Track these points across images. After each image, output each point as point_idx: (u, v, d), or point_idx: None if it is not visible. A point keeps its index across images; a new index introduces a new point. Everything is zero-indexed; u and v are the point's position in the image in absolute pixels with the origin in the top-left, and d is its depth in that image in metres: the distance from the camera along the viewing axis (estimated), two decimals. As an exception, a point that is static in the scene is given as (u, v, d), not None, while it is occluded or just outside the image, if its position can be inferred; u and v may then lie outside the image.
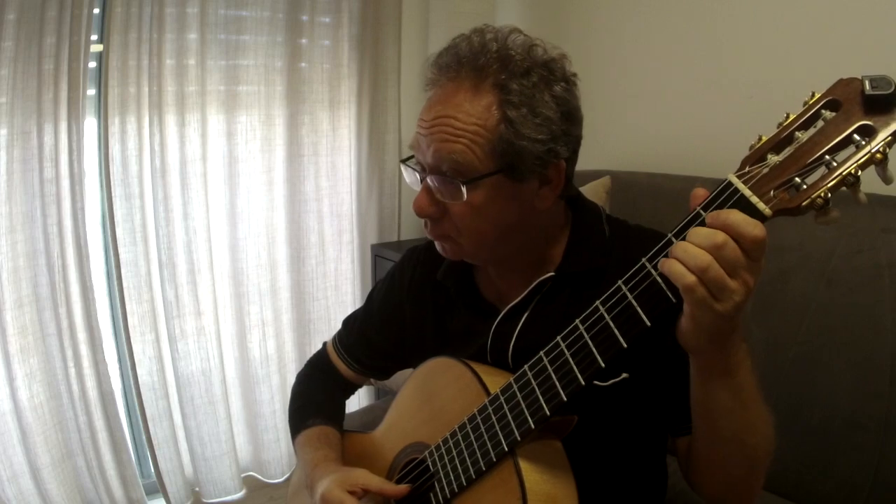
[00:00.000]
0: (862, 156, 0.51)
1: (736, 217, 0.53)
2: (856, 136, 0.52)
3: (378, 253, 2.13)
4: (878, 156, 0.50)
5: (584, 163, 1.74)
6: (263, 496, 2.08)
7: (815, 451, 1.13)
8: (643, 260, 0.60)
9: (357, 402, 2.14)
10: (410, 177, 0.83)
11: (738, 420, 0.66)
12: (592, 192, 1.54)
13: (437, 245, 0.85)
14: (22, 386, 1.62)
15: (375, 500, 0.84)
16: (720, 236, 0.53)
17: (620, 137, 1.82)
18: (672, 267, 0.55)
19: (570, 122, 0.77)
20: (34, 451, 1.65)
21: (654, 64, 1.71)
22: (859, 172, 0.51)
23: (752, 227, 0.53)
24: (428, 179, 0.78)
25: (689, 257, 0.54)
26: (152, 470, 1.88)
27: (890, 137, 0.50)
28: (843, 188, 0.52)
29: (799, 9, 1.37)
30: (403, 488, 0.83)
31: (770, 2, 1.43)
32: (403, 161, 0.84)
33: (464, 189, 0.74)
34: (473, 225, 0.77)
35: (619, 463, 0.85)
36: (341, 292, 2.16)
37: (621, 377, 0.79)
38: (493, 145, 0.73)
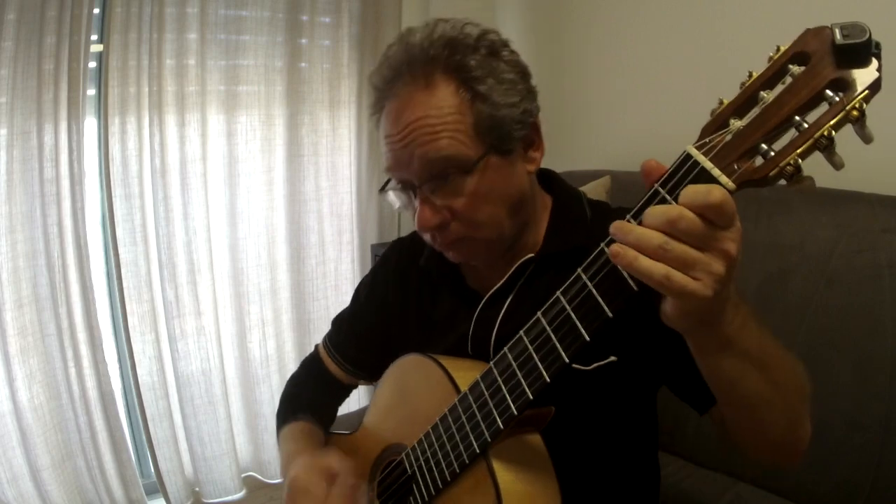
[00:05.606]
0: (836, 113, 0.45)
1: (687, 192, 0.48)
2: (828, 92, 0.46)
3: (378, 253, 2.12)
4: (855, 113, 0.45)
5: (584, 163, 1.76)
6: (263, 496, 2.07)
7: (815, 451, 1.11)
8: (602, 245, 0.55)
9: (357, 401, 2.14)
10: (399, 200, 0.81)
11: (757, 383, 0.59)
12: (592, 192, 1.54)
13: (451, 254, 0.82)
14: (22, 387, 1.62)
15: (346, 485, 0.82)
16: (673, 210, 0.48)
17: (620, 137, 1.82)
18: (621, 255, 0.49)
19: (527, 79, 0.78)
20: (34, 452, 1.65)
21: (654, 64, 1.70)
22: (833, 133, 0.46)
23: (705, 195, 0.47)
24: (422, 189, 0.75)
25: (642, 240, 0.49)
26: (152, 470, 1.88)
27: (867, 91, 0.45)
28: (817, 152, 0.47)
29: (800, 8, 1.37)
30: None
31: (771, 1, 1.43)
32: (382, 189, 0.82)
33: (468, 179, 0.73)
34: (485, 212, 0.75)
35: (606, 456, 0.82)
36: (341, 292, 2.16)
37: (608, 360, 0.76)
38: (476, 127, 0.73)
